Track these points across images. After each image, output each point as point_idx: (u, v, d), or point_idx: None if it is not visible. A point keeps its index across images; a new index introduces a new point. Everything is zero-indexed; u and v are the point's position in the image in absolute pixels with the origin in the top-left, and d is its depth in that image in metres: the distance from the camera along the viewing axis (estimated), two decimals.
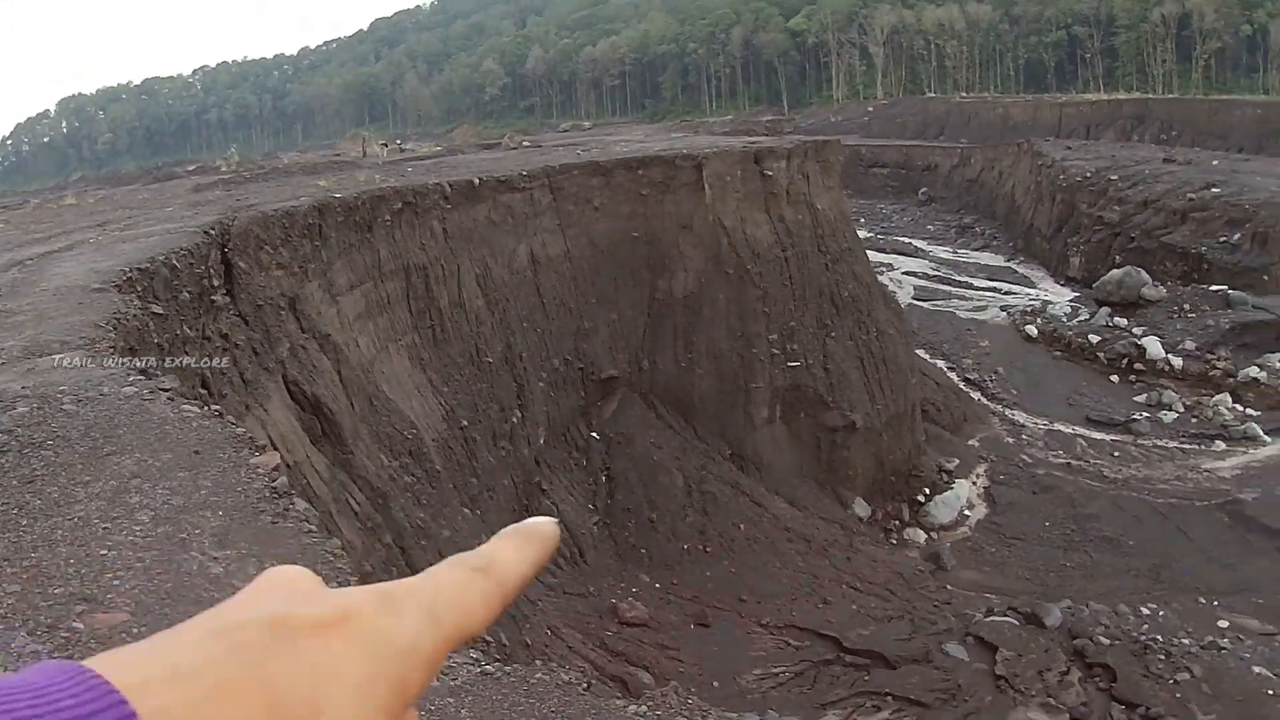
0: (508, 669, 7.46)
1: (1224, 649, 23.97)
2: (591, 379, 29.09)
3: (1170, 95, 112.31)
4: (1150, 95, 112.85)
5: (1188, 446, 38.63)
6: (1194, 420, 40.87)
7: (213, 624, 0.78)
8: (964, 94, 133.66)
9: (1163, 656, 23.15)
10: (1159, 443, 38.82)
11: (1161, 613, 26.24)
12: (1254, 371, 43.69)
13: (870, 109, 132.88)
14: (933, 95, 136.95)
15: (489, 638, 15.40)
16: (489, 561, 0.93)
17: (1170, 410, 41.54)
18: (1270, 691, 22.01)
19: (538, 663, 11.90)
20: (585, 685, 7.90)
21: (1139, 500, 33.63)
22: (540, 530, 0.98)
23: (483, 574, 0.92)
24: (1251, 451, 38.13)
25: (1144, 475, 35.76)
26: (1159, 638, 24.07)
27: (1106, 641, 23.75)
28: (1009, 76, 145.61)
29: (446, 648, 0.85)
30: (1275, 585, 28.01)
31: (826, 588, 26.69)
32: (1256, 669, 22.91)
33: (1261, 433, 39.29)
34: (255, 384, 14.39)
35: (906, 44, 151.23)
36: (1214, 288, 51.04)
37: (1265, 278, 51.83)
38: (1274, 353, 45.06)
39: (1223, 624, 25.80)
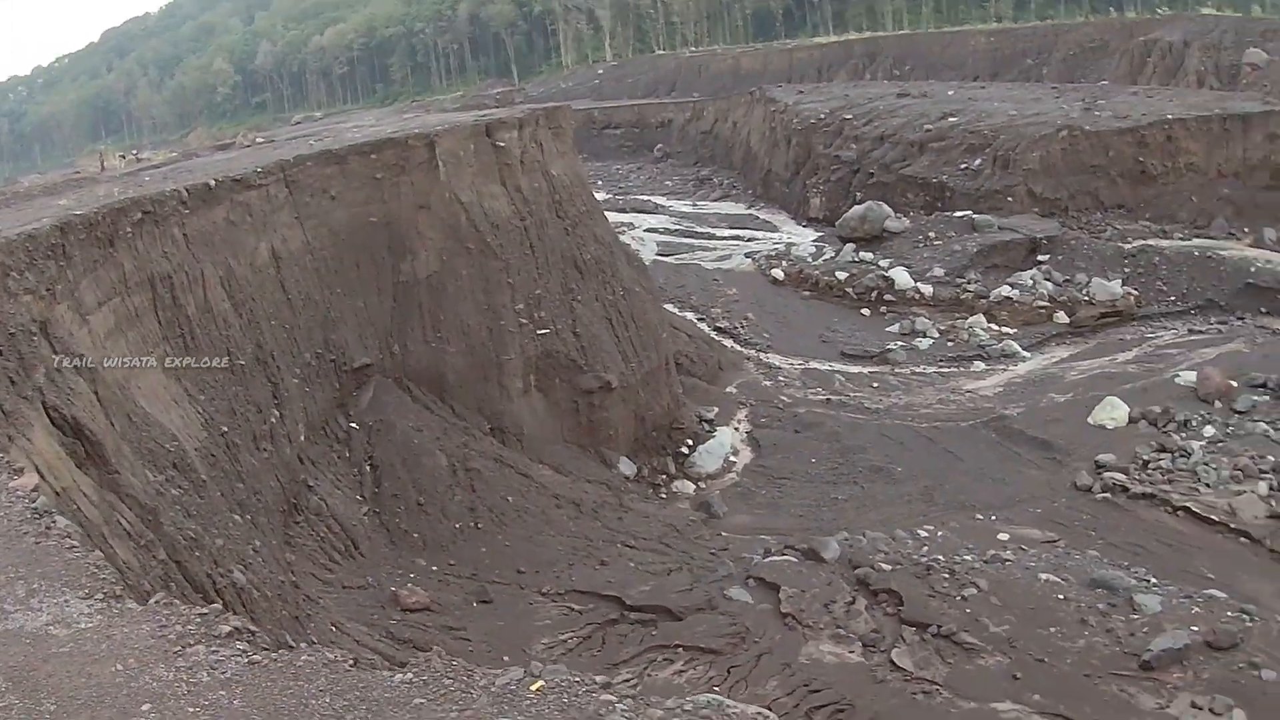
0: (274, 655, 8.28)
1: (1008, 560, 27.14)
2: (344, 370, 30.18)
3: (901, 32, 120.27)
4: (881, 34, 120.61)
5: (946, 370, 43.09)
6: (950, 344, 45.47)
7: None
8: (693, 48, 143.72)
9: (947, 575, 25.96)
10: (917, 369, 43.00)
11: (940, 533, 29.26)
12: (1006, 291, 48.94)
13: (600, 72, 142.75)
14: (662, 52, 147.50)
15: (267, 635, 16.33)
16: None
17: (925, 337, 45.86)
18: (1060, 596, 25.10)
19: (303, 645, 12.75)
20: (351, 661, 9.13)
21: (903, 427, 37.21)
22: None
23: None
24: (1011, 368, 43.11)
25: (905, 403, 39.56)
26: (940, 557, 26.96)
27: (888, 567, 26.38)
28: (738, 28, 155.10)
29: None
30: (1050, 494, 31.82)
31: (602, 549, 28.55)
32: (1043, 576, 26.12)
33: (1020, 349, 44.46)
34: (15, 414, 14.85)
35: (633, 4, 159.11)
36: (958, 214, 56.89)
37: (1009, 199, 58.32)
38: (1024, 270, 50.57)
39: (1003, 537, 29.06)
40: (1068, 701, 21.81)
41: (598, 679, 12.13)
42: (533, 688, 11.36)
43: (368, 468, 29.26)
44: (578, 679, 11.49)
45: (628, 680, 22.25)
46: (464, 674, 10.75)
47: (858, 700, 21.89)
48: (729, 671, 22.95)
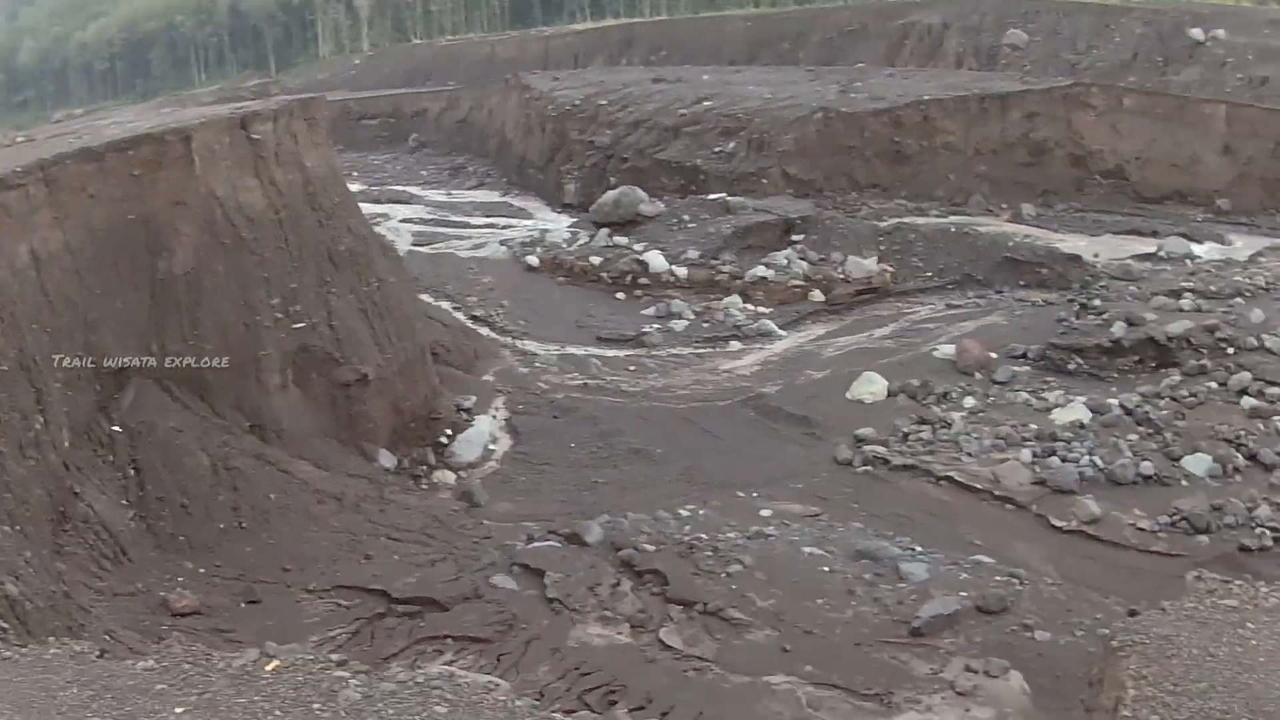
0: (23, 649, 8.42)
1: (771, 536, 27.58)
2: (106, 372, 29.38)
3: (659, 18, 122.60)
4: (638, 20, 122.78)
5: (703, 351, 43.68)
6: (706, 325, 46.08)
7: None
8: (450, 37, 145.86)
9: (710, 553, 26.24)
10: (673, 351, 43.46)
11: (702, 512, 29.51)
12: (761, 271, 49.95)
13: (357, 62, 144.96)
14: (419, 42, 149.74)
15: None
16: None
17: (681, 319, 46.39)
18: (826, 568, 25.64)
19: (50, 639, 12.48)
20: (98, 653, 9.02)
21: (661, 409, 37.53)
22: None
23: None
24: (768, 347, 44.01)
25: (663, 385, 39.91)
26: (703, 536, 27.22)
27: (651, 548, 26.56)
28: (495, 16, 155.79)
29: None
30: (810, 469, 32.52)
31: (366, 543, 28.34)
32: (807, 549, 26.62)
33: (775, 328, 45.41)
34: None
35: None
36: (713, 197, 58.17)
37: (763, 181, 60.30)
38: (778, 251, 51.72)
39: (766, 513, 29.46)
40: (840, 671, 22.18)
41: (333, 656, 11.94)
42: (269, 668, 11.13)
43: (132, 471, 28.57)
44: (312, 657, 11.24)
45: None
46: (203, 658, 10.49)
47: (629, 681, 21.97)
48: (499, 659, 22.86)
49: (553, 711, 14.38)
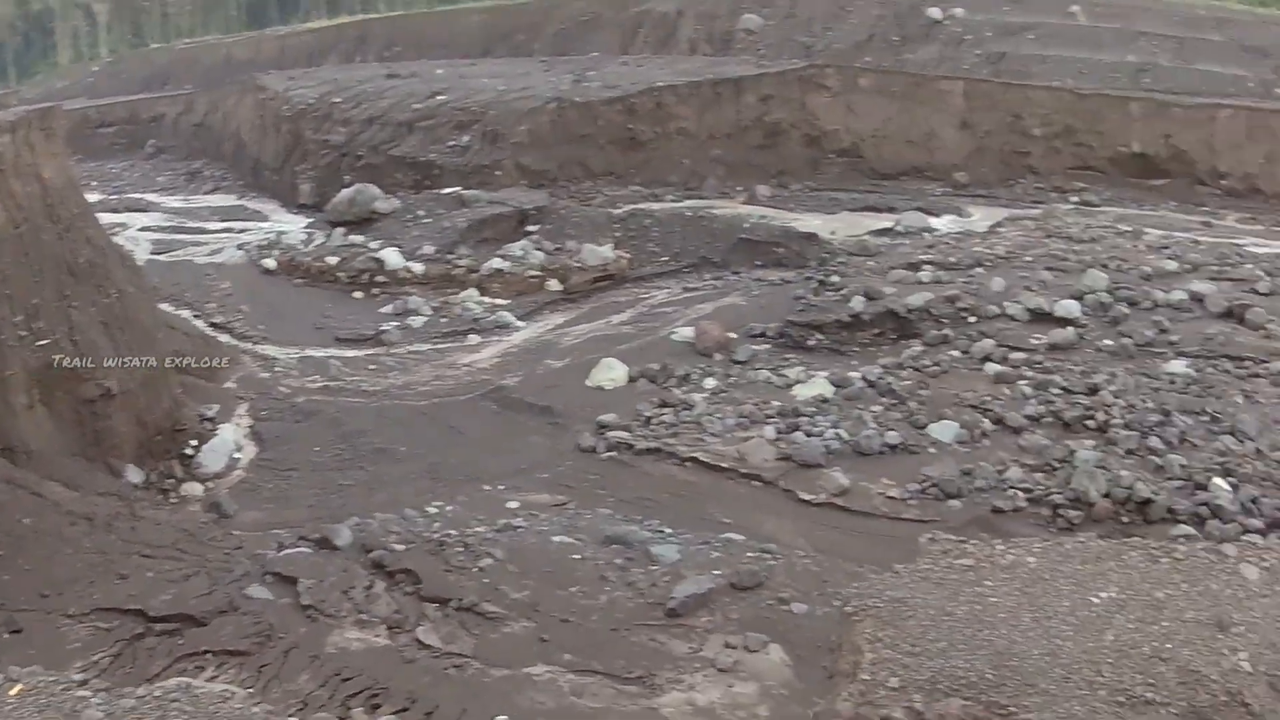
0: None
1: (520, 527, 27.32)
2: None
3: (394, 13, 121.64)
4: (374, 15, 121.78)
5: (442, 346, 43.15)
6: (444, 320, 45.52)
7: None
8: (187, 40, 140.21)
9: (461, 548, 25.86)
10: (412, 348, 42.82)
11: (449, 508, 29.06)
12: (497, 263, 49.66)
13: (95, 69, 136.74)
14: (157, 46, 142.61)
15: None
16: None
17: (419, 315, 45.73)
18: (577, 556, 25.52)
19: None
20: None
21: (403, 407, 36.94)
22: None
23: None
24: (507, 339, 43.80)
25: (404, 382, 39.26)
26: (453, 532, 26.81)
27: (402, 547, 26.06)
28: (232, 17, 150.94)
29: None
30: (554, 458, 32.40)
31: (120, 562, 26.99)
32: (556, 539, 26.46)
33: (514, 319, 45.22)
34: None
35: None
36: (447, 191, 57.64)
37: (498, 173, 59.97)
38: (514, 242, 51.61)
39: (513, 505, 29.22)
40: (600, 657, 22.21)
41: (75, 676, 11.21)
42: (11, 692, 10.38)
43: None
44: (54, 678, 10.52)
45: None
46: None
47: (391, 683, 21.63)
48: (260, 671, 22.15)
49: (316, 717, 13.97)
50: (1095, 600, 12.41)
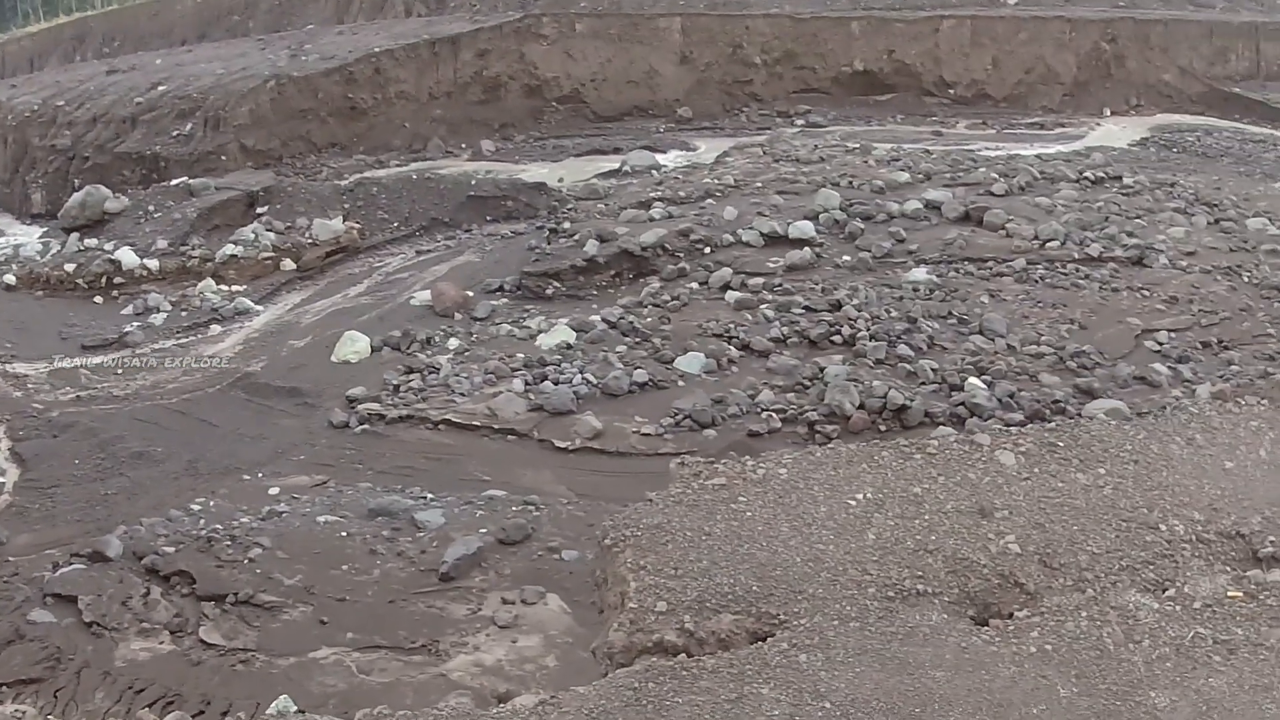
0: None
1: (284, 512, 26.95)
2: None
3: (110, 8, 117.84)
4: (90, 13, 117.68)
5: (185, 340, 42.18)
6: (184, 314, 44.45)
7: None
8: None
9: (229, 542, 25.43)
10: (157, 346, 41.68)
11: (212, 503, 28.48)
12: (230, 249, 48.63)
13: None
14: None
15: None
16: None
17: (159, 312, 44.61)
18: (343, 534, 25.36)
19: None
20: None
21: (155, 407, 35.92)
22: None
23: None
24: (248, 325, 43.24)
25: (152, 382, 38.26)
26: (219, 526, 26.29)
27: (172, 549, 25.43)
28: None
29: None
30: (308, 439, 32.15)
31: None
32: (321, 519, 26.25)
33: (252, 304, 44.59)
34: None
35: None
36: (175, 182, 56.46)
37: (223, 158, 59.15)
38: (245, 226, 50.77)
39: (274, 491, 28.87)
40: (382, 631, 22.32)
41: None
42: None
43: None
44: None
45: None
46: None
47: (183, 687, 21.29)
48: (55, 696, 21.58)
49: None
50: (852, 503, 12.85)
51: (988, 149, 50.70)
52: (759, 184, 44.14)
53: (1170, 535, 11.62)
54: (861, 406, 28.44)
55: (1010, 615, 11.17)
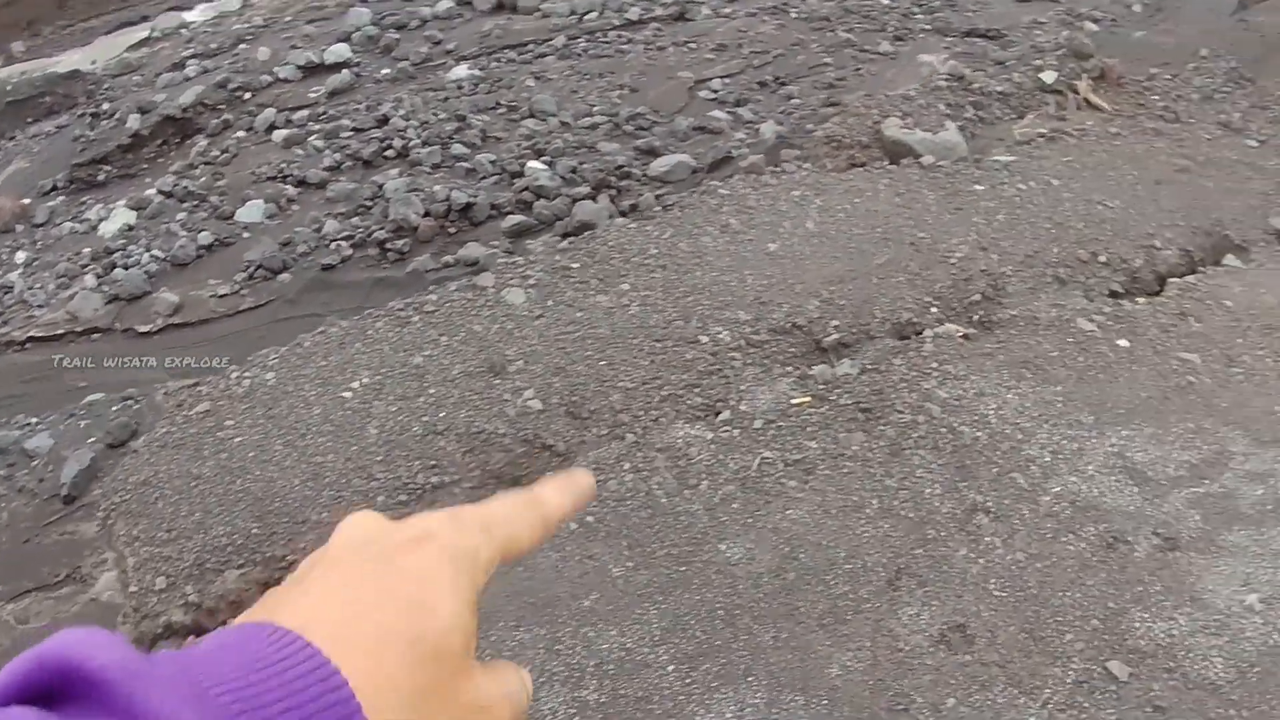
0: None
1: None
2: None
3: None
4: None
5: None
6: None
7: (334, 565, 1.07)
8: None
9: None
10: None
11: None
12: None
13: None
14: None
15: None
16: (536, 497, 1.25)
17: None
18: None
19: None
20: None
21: None
22: (580, 480, 1.33)
23: (530, 506, 1.24)
24: None
25: None
26: None
27: None
28: None
29: (499, 558, 1.17)
30: None
31: None
32: None
33: None
34: None
35: None
36: None
37: None
38: None
39: None
40: (26, 574, 16.87)
41: None
42: None
43: None
44: None
45: None
46: None
47: None
48: None
49: None
50: (347, 394, 10.45)
51: None
52: (288, 18, 41.51)
53: (715, 346, 9.57)
54: (427, 214, 27.50)
55: None
